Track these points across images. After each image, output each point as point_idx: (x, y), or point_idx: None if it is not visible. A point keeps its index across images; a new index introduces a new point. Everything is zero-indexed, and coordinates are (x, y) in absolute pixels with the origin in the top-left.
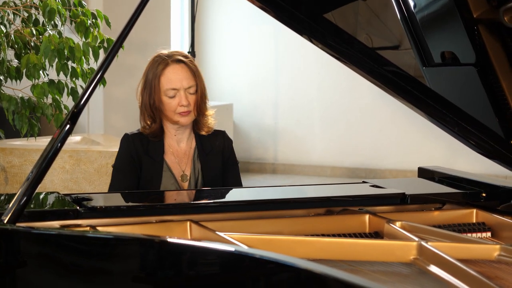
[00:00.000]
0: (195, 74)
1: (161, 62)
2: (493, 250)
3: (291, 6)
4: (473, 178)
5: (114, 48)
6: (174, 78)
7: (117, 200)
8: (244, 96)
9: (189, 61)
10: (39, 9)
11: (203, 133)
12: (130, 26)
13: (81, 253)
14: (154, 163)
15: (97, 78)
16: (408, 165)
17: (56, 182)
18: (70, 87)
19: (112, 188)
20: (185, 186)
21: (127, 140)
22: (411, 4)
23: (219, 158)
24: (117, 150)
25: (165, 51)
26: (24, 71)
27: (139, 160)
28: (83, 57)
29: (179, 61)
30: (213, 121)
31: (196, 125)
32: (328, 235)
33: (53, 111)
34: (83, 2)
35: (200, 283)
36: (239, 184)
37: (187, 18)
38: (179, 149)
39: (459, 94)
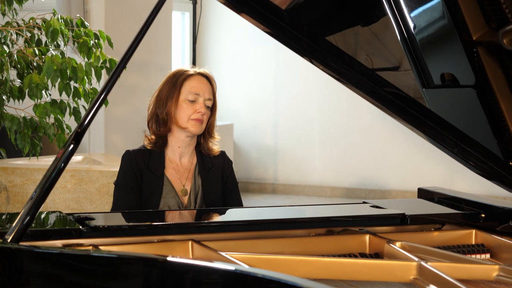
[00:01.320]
0: (214, 94)
1: (184, 74)
2: (492, 270)
3: (292, 27)
4: (472, 199)
5: (118, 68)
6: (198, 86)
7: (119, 219)
8: (244, 116)
9: (212, 78)
10: (42, 30)
11: (207, 152)
12: (134, 47)
13: (84, 272)
14: (155, 177)
15: (101, 98)
16: (408, 186)
17: (58, 201)
18: (72, 107)
19: (115, 206)
20: (185, 200)
21: (129, 157)
22: (411, 25)
23: (219, 175)
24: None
25: (182, 68)
26: (26, 91)
27: (140, 176)
28: (85, 77)
29: (204, 75)
30: (217, 146)
31: (201, 145)
32: (329, 255)
33: (55, 131)
34: (85, 22)
35: None
36: (239, 205)
37: (188, 38)
38: (180, 164)
39: (458, 116)
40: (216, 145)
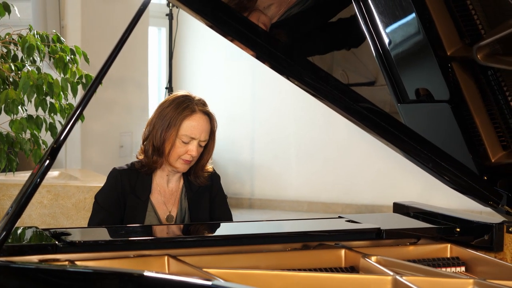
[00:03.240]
0: (212, 133)
1: (189, 106)
2: (467, 284)
3: (267, 43)
4: (448, 213)
5: (93, 84)
6: (196, 128)
7: (95, 234)
8: (221, 131)
9: (213, 118)
10: (18, 45)
11: (198, 183)
12: (110, 62)
13: (59, 287)
14: (139, 202)
15: (77, 114)
16: (384, 201)
17: (34, 216)
18: (48, 122)
19: (92, 222)
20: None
21: (115, 177)
22: (386, 41)
23: (207, 195)
24: (95, 185)
25: (190, 94)
26: (2, 106)
27: (123, 198)
28: (61, 93)
29: (206, 113)
30: (206, 178)
31: (191, 174)
32: (305, 270)
33: (31, 146)
34: (61, 38)
35: None
36: (229, 219)
37: (165, 53)
38: (167, 188)
39: (433, 131)
40: (207, 175)
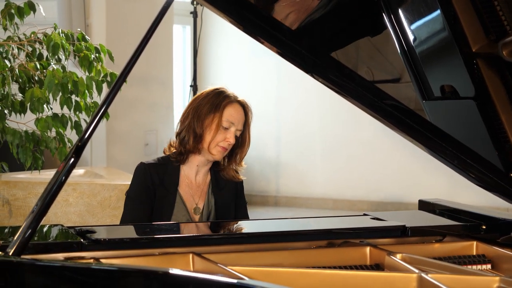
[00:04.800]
0: (247, 125)
1: (227, 97)
2: (493, 282)
3: (292, 41)
4: (473, 210)
5: (118, 82)
6: (235, 114)
7: (120, 232)
8: None
9: (249, 109)
10: (43, 44)
11: (227, 177)
12: (134, 60)
13: (85, 285)
14: (168, 194)
15: (101, 112)
16: (409, 198)
17: (59, 214)
18: (73, 120)
19: (125, 217)
20: (197, 219)
21: (143, 170)
22: (411, 38)
23: (232, 194)
24: (121, 182)
25: (228, 90)
26: (28, 105)
27: (153, 190)
28: (86, 91)
29: (243, 105)
30: (241, 173)
31: (222, 169)
32: (329, 267)
33: (56, 145)
34: (86, 36)
35: None
36: None
37: (190, 51)
38: (194, 181)
39: (458, 128)
40: (240, 172)
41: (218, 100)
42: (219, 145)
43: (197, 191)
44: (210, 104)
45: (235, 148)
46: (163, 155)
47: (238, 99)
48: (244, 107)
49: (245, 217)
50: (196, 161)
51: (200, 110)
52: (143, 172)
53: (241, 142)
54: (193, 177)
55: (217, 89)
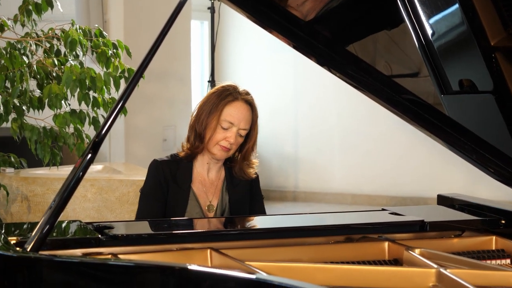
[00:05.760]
0: (253, 122)
1: (232, 93)
2: None
3: (309, 36)
4: (492, 205)
5: (135, 77)
6: (235, 114)
7: (138, 228)
8: (264, 124)
9: (255, 108)
10: (61, 40)
11: (240, 177)
12: (151, 55)
13: (102, 281)
14: (181, 191)
15: (118, 107)
16: (428, 193)
17: (78, 210)
18: (91, 116)
19: (140, 213)
20: (211, 216)
21: (156, 166)
22: (429, 32)
23: (247, 191)
24: (139, 178)
25: (236, 85)
26: (46, 101)
27: (166, 187)
28: (104, 87)
29: (248, 102)
30: (254, 171)
31: (233, 167)
32: (348, 263)
33: (75, 141)
34: (104, 32)
35: None
36: None
37: (207, 47)
38: (207, 178)
39: (477, 122)
40: (252, 169)
41: (218, 100)
42: (219, 144)
43: (210, 188)
44: (212, 103)
45: (244, 145)
46: (177, 151)
47: (243, 97)
48: (250, 105)
49: (262, 212)
50: (205, 158)
51: (203, 109)
52: (156, 169)
53: (247, 140)
54: (206, 174)
55: (223, 87)
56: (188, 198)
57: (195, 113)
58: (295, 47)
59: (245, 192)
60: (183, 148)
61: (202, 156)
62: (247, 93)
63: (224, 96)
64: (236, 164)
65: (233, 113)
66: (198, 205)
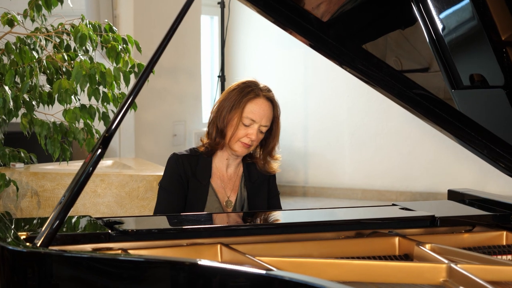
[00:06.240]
0: (275, 119)
1: (254, 90)
2: None
3: (320, 30)
4: (503, 200)
5: (145, 72)
6: (257, 111)
7: (148, 223)
8: None
9: (276, 104)
10: (71, 35)
11: (264, 172)
12: (161, 51)
13: (112, 276)
14: (200, 186)
15: (128, 102)
16: (439, 188)
17: (88, 205)
18: (101, 111)
19: (159, 207)
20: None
21: (176, 160)
22: (440, 27)
23: (265, 187)
24: (149, 173)
25: (257, 81)
26: (56, 96)
27: (186, 181)
28: (114, 82)
29: (269, 99)
30: (277, 165)
31: (257, 162)
32: (358, 258)
33: (84, 136)
34: (114, 27)
35: None
36: None
37: (217, 42)
38: (226, 173)
39: (488, 117)
40: (277, 164)
41: (240, 96)
42: (240, 141)
43: (228, 184)
44: (233, 100)
45: (266, 140)
46: (196, 146)
47: (265, 93)
48: (271, 102)
49: (278, 207)
50: (225, 154)
51: (224, 105)
52: (176, 163)
53: (270, 136)
54: (224, 170)
55: (244, 83)
56: (207, 194)
57: (215, 109)
58: (305, 42)
59: (262, 188)
60: (203, 143)
61: (222, 152)
62: (269, 90)
63: (245, 93)
64: (260, 160)
65: (255, 110)
66: (217, 200)
